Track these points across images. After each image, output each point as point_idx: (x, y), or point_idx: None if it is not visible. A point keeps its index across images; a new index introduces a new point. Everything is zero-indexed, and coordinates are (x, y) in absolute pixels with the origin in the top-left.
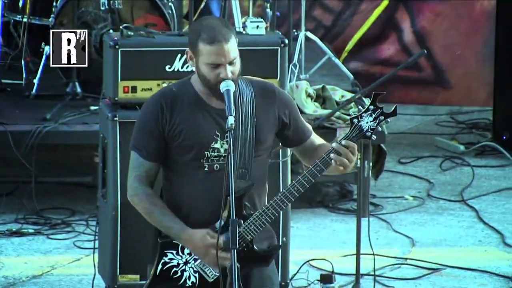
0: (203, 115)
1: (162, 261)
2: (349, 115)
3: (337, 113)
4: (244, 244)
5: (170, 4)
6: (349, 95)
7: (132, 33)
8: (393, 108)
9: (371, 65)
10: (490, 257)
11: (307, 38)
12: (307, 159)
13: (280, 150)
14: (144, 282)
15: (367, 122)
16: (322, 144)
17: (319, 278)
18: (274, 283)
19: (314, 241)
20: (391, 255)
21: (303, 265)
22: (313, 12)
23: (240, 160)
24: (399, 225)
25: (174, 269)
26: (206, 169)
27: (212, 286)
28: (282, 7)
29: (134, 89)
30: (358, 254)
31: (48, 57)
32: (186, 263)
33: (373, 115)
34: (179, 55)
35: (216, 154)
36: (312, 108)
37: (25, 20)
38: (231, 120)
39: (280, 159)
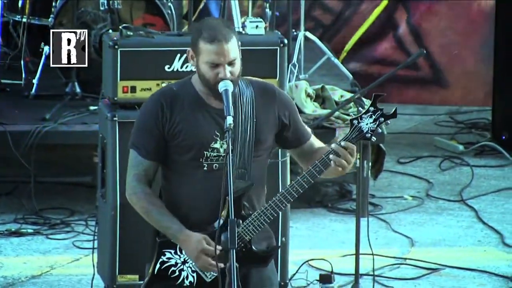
0: (203, 115)
1: (160, 260)
2: (348, 115)
3: (337, 113)
4: (242, 245)
5: (169, 4)
6: (348, 95)
7: (131, 33)
8: (393, 110)
9: (370, 65)
10: (489, 257)
11: (306, 38)
12: (305, 162)
13: (280, 150)
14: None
15: (367, 124)
16: (321, 147)
17: (318, 278)
18: (273, 283)
19: (313, 241)
20: (390, 255)
21: (302, 265)
22: (313, 12)
23: (239, 160)
24: (398, 225)
25: (172, 268)
26: (205, 168)
27: (210, 286)
28: (282, 7)
29: (133, 89)
30: (357, 254)
31: (47, 57)
32: (184, 262)
33: (373, 117)
34: (179, 55)
35: (215, 154)
36: (311, 108)
37: (24, 20)
38: (229, 120)
39: (279, 159)
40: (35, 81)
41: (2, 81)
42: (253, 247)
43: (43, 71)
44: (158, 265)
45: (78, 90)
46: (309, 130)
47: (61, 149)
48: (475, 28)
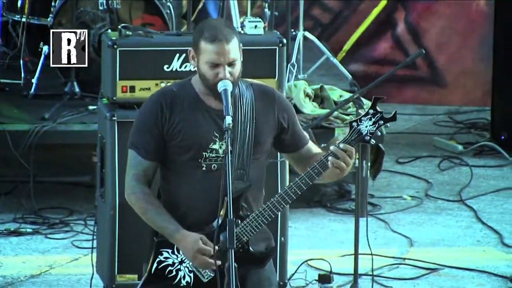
0: (203, 116)
1: (158, 259)
2: (347, 114)
3: (335, 113)
4: (240, 245)
5: (168, 4)
6: (347, 95)
7: (130, 33)
8: (393, 113)
9: (369, 65)
10: (488, 257)
11: (305, 38)
12: (301, 167)
13: None
14: None
15: (366, 126)
16: (318, 152)
17: (317, 278)
18: (272, 283)
19: (312, 241)
20: (389, 255)
21: (301, 265)
22: (312, 11)
23: (238, 161)
24: (397, 225)
25: (169, 268)
26: (204, 169)
27: (206, 286)
28: (281, 7)
29: (132, 89)
30: (356, 254)
31: (46, 57)
32: (181, 262)
33: (373, 119)
34: (177, 54)
35: (214, 154)
36: (310, 107)
37: (23, 20)
38: (228, 120)
39: (279, 159)
40: (34, 80)
41: (1, 80)
42: (250, 248)
43: (42, 71)
44: (155, 265)
45: (77, 89)
46: (307, 135)
47: (60, 148)
48: (474, 28)
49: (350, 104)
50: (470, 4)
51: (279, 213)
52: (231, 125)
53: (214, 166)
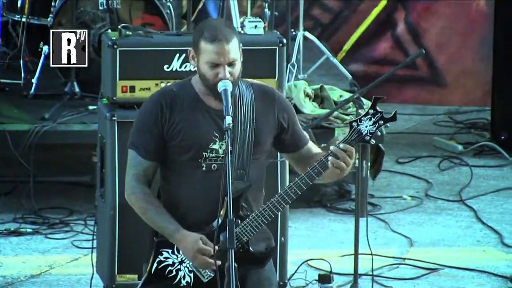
0: (203, 116)
1: (158, 259)
2: (347, 114)
3: (335, 113)
4: (240, 245)
5: (168, 4)
6: (347, 95)
7: (130, 33)
8: (393, 113)
9: (369, 65)
10: (488, 257)
11: (305, 38)
12: (301, 167)
13: None
14: None
15: (366, 126)
16: (318, 152)
17: (317, 278)
18: (272, 283)
19: (312, 241)
20: (389, 255)
21: (301, 265)
22: (312, 11)
23: (238, 161)
24: (397, 225)
25: (169, 268)
26: (204, 169)
27: (206, 286)
28: (281, 7)
29: (132, 89)
30: (356, 254)
31: (46, 57)
32: (181, 262)
33: (373, 119)
34: (177, 54)
35: (214, 154)
36: (310, 107)
37: (23, 20)
38: (228, 119)
39: (279, 159)
40: (34, 80)
41: (1, 80)
42: (250, 248)
43: (42, 71)
44: (155, 265)
45: (77, 89)
46: (307, 135)
47: (60, 148)
48: (474, 28)
49: (350, 104)
50: (470, 4)
51: (279, 213)
52: (231, 125)
53: (214, 166)
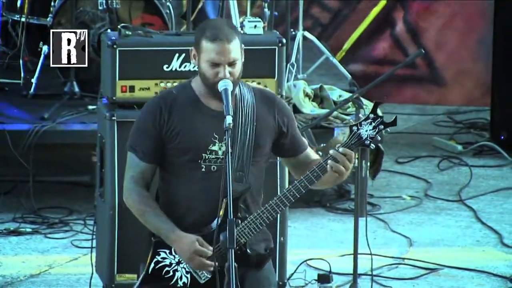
0: (202, 118)
1: (155, 259)
2: (346, 114)
3: (335, 113)
4: (237, 247)
5: (168, 4)
6: (346, 95)
7: (130, 33)
8: (393, 118)
9: (368, 65)
10: (488, 257)
11: (305, 38)
12: (300, 172)
13: None
14: None
15: (366, 131)
16: (316, 159)
17: (316, 278)
18: (271, 283)
19: (312, 240)
20: (389, 255)
21: (300, 264)
22: (311, 10)
23: (237, 162)
24: (397, 225)
25: (166, 268)
26: (203, 170)
27: (203, 287)
28: (280, 7)
29: (132, 89)
30: (355, 253)
31: (46, 57)
32: (178, 263)
33: (373, 124)
34: (177, 54)
35: (213, 156)
36: (309, 107)
37: (23, 19)
38: (229, 119)
39: (278, 159)
40: (33, 80)
41: (1, 80)
42: (248, 250)
43: (42, 71)
44: (152, 265)
45: (76, 89)
46: (305, 141)
47: (60, 148)
48: (473, 27)
49: (350, 104)
50: (469, 4)
51: (278, 214)
52: (231, 124)
53: (213, 168)
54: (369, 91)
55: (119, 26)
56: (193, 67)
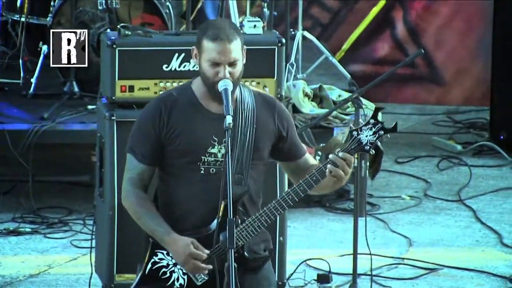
0: (202, 120)
1: (152, 260)
2: (346, 114)
3: (334, 113)
4: (235, 250)
5: (167, 3)
6: (346, 95)
7: (129, 33)
8: (393, 124)
9: (368, 64)
10: (487, 257)
11: (304, 38)
12: (298, 177)
13: None
14: None
15: (366, 136)
16: (315, 164)
17: (316, 278)
18: (271, 283)
19: (311, 240)
20: (388, 255)
21: (300, 264)
22: (310, 10)
23: (237, 165)
24: (396, 225)
25: (163, 269)
26: (202, 172)
27: None
28: (280, 6)
29: (131, 88)
30: (355, 253)
31: (45, 56)
32: (175, 264)
33: (373, 129)
34: (176, 54)
35: (213, 158)
36: (309, 107)
37: (23, 19)
38: (229, 119)
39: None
40: (33, 80)
41: (1, 80)
42: (245, 253)
43: (42, 70)
44: (149, 265)
45: (76, 89)
46: (304, 147)
47: (59, 148)
48: (472, 27)
49: (349, 103)
50: (469, 4)
51: (278, 217)
52: (231, 124)
53: (212, 170)
54: (368, 91)
55: (118, 26)
56: (193, 67)
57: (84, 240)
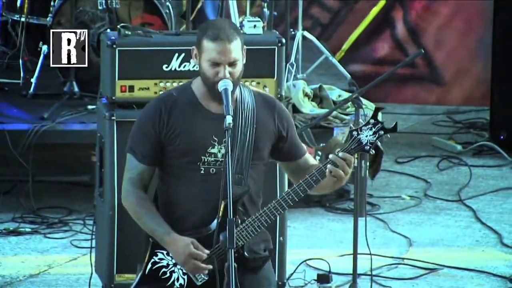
0: (202, 120)
1: (152, 260)
2: (346, 114)
3: (334, 113)
4: (235, 250)
5: (167, 3)
6: (346, 95)
7: (129, 33)
8: (393, 124)
9: (368, 64)
10: (487, 257)
11: (304, 38)
12: (298, 178)
13: None
14: None
15: (366, 136)
16: (315, 164)
17: (316, 278)
18: (271, 283)
19: (311, 240)
20: (388, 255)
21: (300, 264)
22: (310, 10)
23: (237, 165)
24: (396, 225)
25: (163, 269)
26: (202, 172)
27: None
28: (280, 6)
29: (131, 88)
30: (355, 253)
31: (45, 56)
32: (175, 264)
33: (373, 129)
34: (176, 54)
35: (213, 158)
36: (309, 107)
37: (23, 19)
38: (229, 119)
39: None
40: (33, 80)
41: (1, 80)
42: (245, 253)
43: (42, 70)
44: (149, 265)
45: (76, 89)
46: (304, 147)
47: (59, 148)
48: (472, 27)
49: (349, 103)
50: (469, 4)
51: (278, 217)
52: (231, 124)
53: (212, 170)
54: (368, 91)
55: (118, 26)
56: (193, 67)
57: (84, 240)
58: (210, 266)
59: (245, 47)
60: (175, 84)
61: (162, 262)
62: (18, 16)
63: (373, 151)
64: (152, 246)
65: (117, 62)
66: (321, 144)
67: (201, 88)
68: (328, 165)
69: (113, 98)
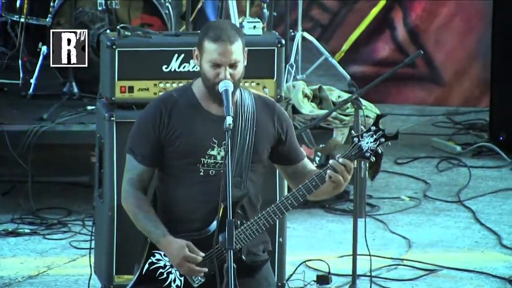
0: (202, 122)
1: (149, 261)
2: (345, 115)
3: (334, 114)
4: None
5: (167, 4)
6: (345, 96)
7: (129, 33)
8: (395, 132)
9: (368, 65)
10: (486, 258)
11: (304, 39)
12: (296, 182)
13: None
14: None
15: (367, 143)
16: (313, 169)
17: (315, 279)
18: (270, 284)
19: (311, 241)
20: (388, 256)
21: (299, 265)
22: (310, 11)
23: (236, 167)
24: (396, 226)
25: (160, 270)
26: (201, 173)
27: None
28: (279, 7)
29: (131, 89)
30: (354, 254)
31: (45, 57)
32: (172, 265)
33: (374, 136)
34: (176, 55)
35: (212, 160)
36: (308, 108)
37: (22, 20)
38: (229, 120)
39: None
40: (32, 81)
41: (0, 80)
42: (243, 257)
43: (41, 71)
44: (146, 266)
45: (75, 90)
46: (303, 152)
47: (59, 149)
48: (472, 27)
49: (349, 104)
50: (468, 4)
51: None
52: (231, 125)
53: (211, 172)
54: (368, 92)
55: (118, 27)
56: (193, 68)
57: (84, 241)
58: (205, 269)
59: (246, 48)
60: (174, 85)
61: (159, 263)
62: (17, 16)
63: (374, 158)
64: (150, 246)
65: (117, 62)
66: (321, 145)
67: (202, 90)
68: (328, 171)
69: (113, 98)
